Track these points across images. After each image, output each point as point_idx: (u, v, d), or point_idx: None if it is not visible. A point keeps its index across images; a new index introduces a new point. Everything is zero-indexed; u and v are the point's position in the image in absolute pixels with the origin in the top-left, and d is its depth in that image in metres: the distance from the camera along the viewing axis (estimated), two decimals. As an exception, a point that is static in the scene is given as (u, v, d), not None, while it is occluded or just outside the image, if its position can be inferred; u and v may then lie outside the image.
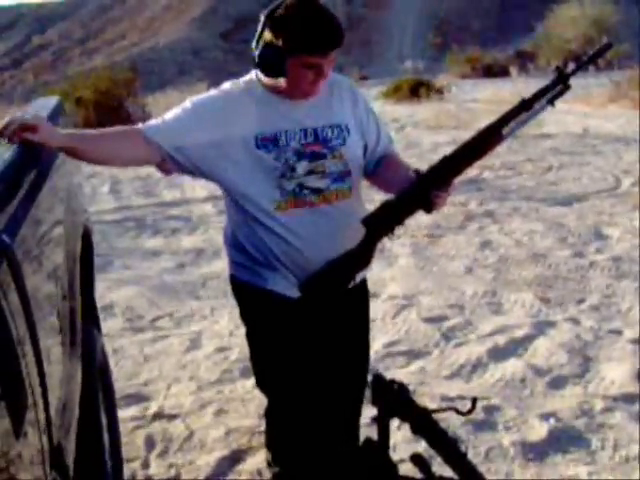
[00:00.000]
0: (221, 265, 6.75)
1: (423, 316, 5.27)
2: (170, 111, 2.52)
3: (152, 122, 2.48)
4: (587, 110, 17.83)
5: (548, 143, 12.99)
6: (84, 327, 2.72)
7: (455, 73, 35.73)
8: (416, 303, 5.52)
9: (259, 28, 2.43)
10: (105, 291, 5.94)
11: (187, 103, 2.52)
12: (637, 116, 15.30)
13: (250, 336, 2.74)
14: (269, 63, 2.41)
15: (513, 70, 36.31)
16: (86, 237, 3.12)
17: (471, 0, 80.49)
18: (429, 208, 2.47)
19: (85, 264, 2.98)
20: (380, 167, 2.68)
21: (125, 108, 20.28)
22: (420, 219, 7.86)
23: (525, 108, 2.44)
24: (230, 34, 78.56)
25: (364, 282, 2.84)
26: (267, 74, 2.44)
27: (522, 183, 9.79)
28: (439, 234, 7.40)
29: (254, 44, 2.45)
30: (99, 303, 3.87)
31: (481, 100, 20.53)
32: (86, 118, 19.31)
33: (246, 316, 2.75)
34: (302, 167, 2.47)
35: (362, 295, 2.86)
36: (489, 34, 71.61)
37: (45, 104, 3.23)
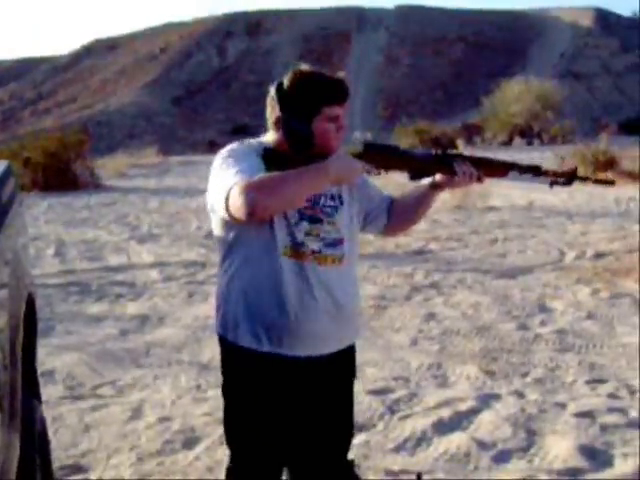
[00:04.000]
0: (165, 333, 6.69)
1: (368, 388, 5.24)
2: (222, 172, 2.50)
3: (238, 177, 2.41)
4: (532, 184, 18.16)
5: (494, 215, 13.19)
6: (24, 395, 2.65)
7: (404, 144, 36.17)
8: (361, 375, 5.45)
9: (274, 106, 2.60)
10: (46, 357, 5.83)
11: (229, 160, 2.52)
12: (579, 190, 15.63)
13: (224, 390, 2.75)
14: (297, 131, 2.57)
15: (460, 142, 36.93)
16: (30, 302, 3.06)
17: (420, 74, 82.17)
18: (452, 172, 2.71)
19: (28, 330, 2.92)
20: (393, 211, 2.90)
21: (73, 171, 20.19)
22: (366, 290, 7.89)
23: (534, 172, 2.77)
24: (181, 100, 78.99)
25: (352, 349, 2.85)
26: (298, 147, 2.58)
27: (468, 255, 9.89)
28: (384, 305, 7.42)
29: (271, 118, 2.62)
30: (39, 369, 3.79)
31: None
32: (34, 179, 19.20)
33: (223, 370, 2.76)
34: (303, 227, 2.59)
35: (347, 364, 2.86)
36: (437, 107, 73.01)
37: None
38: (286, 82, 2.58)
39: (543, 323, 6.76)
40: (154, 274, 9.09)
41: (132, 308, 7.63)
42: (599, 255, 9.53)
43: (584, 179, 2.82)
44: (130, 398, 5.23)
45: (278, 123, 2.59)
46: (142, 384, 5.50)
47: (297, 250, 2.57)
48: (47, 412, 4.07)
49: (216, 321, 2.73)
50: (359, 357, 5.67)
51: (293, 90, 2.57)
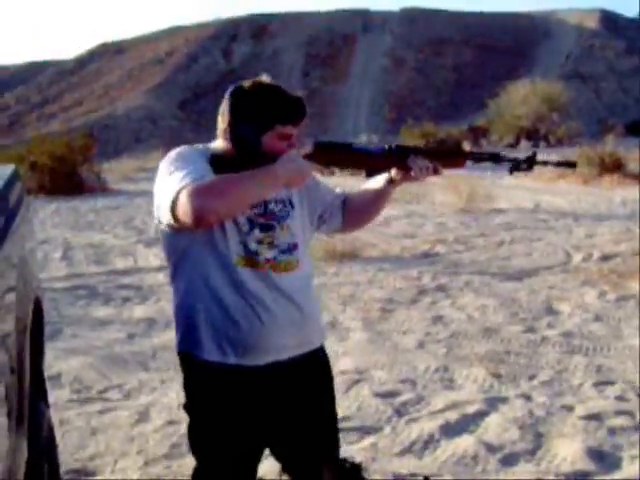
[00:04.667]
0: (172, 336, 6.67)
1: (375, 391, 5.23)
2: (169, 176, 2.42)
3: (186, 181, 2.34)
4: (538, 186, 18.17)
5: (500, 218, 13.17)
6: (31, 399, 2.66)
7: (409, 147, 36.02)
8: (368, 378, 5.49)
9: (225, 110, 2.55)
10: (53, 361, 5.84)
11: (176, 163, 2.45)
12: (586, 192, 15.61)
13: (189, 407, 2.70)
14: (244, 143, 2.52)
15: (466, 145, 36.89)
16: (37, 306, 3.07)
17: (426, 77, 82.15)
18: (407, 166, 2.67)
19: (35, 334, 2.93)
20: (348, 208, 2.86)
21: (79, 174, 20.24)
22: (372, 293, 7.90)
23: (493, 160, 2.73)
24: (187, 103, 79.13)
25: (322, 352, 2.80)
26: (243, 155, 2.52)
27: (474, 258, 9.88)
28: (391, 308, 7.41)
29: (221, 123, 2.57)
30: (46, 373, 3.79)
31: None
32: (40, 183, 19.24)
33: (187, 387, 2.71)
34: (254, 236, 2.54)
35: (318, 367, 2.80)
36: (443, 110, 72.95)
37: (1, 172, 3.19)
38: (244, 91, 2.53)
39: (550, 325, 6.74)
40: (161, 277, 9.09)
41: (139, 311, 7.63)
42: (606, 257, 9.52)
43: (544, 163, 2.78)
44: (137, 402, 5.23)
45: (227, 131, 2.55)
46: (149, 387, 5.50)
47: (251, 259, 2.52)
48: (54, 416, 4.07)
49: (176, 338, 2.68)
50: (366, 361, 5.68)
51: (248, 101, 2.51)
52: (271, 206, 2.59)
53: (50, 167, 19.64)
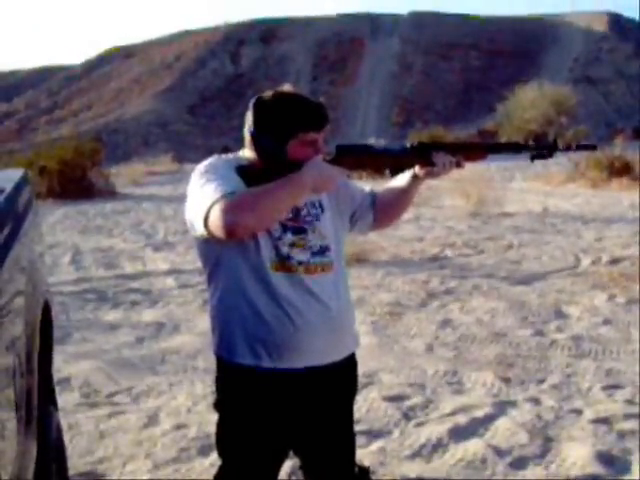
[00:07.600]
0: (181, 340, 6.70)
1: (384, 395, 5.22)
2: (200, 189, 2.47)
3: (217, 196, 2.39)
4: (547, 189, 18.13)
5: (509, 222, 13.14)
6: (40, 402, 2.66)
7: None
8: (377, 381, 5.48)
9: (249, 119, 2.57)
10: (62, 364, 5.85)
11: (207, 175, 2.49)
12: (595, 195, 15.57)
13: (220, 407, 2.71)
14: (269, 151, 2.54)
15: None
16: (46, 309, 3.07)
17: (434, 81, 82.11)
18: (430, 163, 2.70)
19: (44, 337, 2.93)
20: (378, 206, 2.87)
21: (88, 178, 20.29)
22: (381, 297, 7.89)
23: (513, 150, 2.76)
24: (196, 108, 79.23)
25: (353, 359, 2.81)
26: (270, 164, 2.54)
27: (483, 261, 9.86)
28: (400, 312, 7.40)
29: (247, 134, 2.59)
30: (55, 376, 3.80)
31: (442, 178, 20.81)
32: (49, 187, 19.29)
33: (220, 388, 2.71)
34: (287, 239, 2.56)
35: (349, 374, 2.82)
36: (452, 114, 72.91)
37: (10, 176, 3.21)
38: (264, 101, 2.55)
39: (559, 329, 6.73)
40: (169, 281, 9.11)
41: (148, 315, 7.64)
42: (615, 260, 9.49)
43: (566, 149, 2.79)
44: (146, 405, 5.24)
45: (252, 142, 2.58)
46: (158, 391, 5.51)
47: (284, 263, 2.54)
48: (63, 419, 4.08)
49: (213, 340, 2.69)
50: (375, 364, 5.67)
51: (270, 111, 2.53)
52: (302, 210, 2.61)
53: (59, 171, 19.69)
